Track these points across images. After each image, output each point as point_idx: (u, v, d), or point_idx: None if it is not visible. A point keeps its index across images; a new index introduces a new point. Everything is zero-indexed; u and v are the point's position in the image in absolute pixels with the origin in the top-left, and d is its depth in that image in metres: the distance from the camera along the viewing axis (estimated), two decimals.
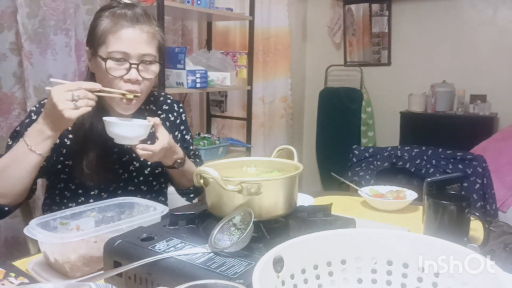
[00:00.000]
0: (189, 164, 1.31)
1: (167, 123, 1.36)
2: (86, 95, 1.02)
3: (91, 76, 1.21)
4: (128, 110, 1.17)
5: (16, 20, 1.83)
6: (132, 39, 1.12)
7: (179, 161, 1.23)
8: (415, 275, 0.62)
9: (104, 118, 1.08)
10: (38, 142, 1.05)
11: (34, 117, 1.19)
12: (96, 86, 1.06)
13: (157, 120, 1.14)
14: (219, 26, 3.02)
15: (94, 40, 1.15)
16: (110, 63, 1.12)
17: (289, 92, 3.62)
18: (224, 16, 2.61)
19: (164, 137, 1.14)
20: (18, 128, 1.20)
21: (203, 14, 2.50)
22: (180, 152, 1.24)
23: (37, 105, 1.22)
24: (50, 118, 1.03)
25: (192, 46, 2.83)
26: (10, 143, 1.19)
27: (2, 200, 1.09)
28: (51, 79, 1.07)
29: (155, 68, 1.18)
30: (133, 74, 1.13)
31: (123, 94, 1.13)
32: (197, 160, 1.44)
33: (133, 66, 1.12)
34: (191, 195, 1.41)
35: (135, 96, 1.14)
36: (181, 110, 1.41)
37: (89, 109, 1.03)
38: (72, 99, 1.00)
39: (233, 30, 3.09)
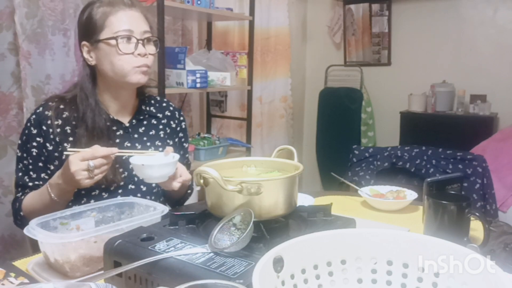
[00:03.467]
0: None
1: (168, 129, 1.39)
2: (101, 163, 1.05)
3: (90, 70, 1.24)
4: (142, 79, 1.25)
5: (14, 20, 1.83)
6: (133, 18, 1.22)
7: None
8: (415, 275, 0.62)
9: (134, 162, 1.09)
10: (59, 195, 1.12)
11: (34, 131, 1.22)
12: (112, 150, 1.07)
13: (177, 156, 1.16)
14: (219, 26, 3.01)
15: (92, 29, 1.20)
16: (120, 41, 1.19)
17: (289, 92, 3.61)
18: (224, 16, 2.61)
19: (182, 166, 1.21)
20: (27, 146, 1.22)
21: (203, 14, 2.50)
22: None
23: (34, 116, 1.23)
24: (68, 182, 1.07)
25: (192, 46, 2.83)
26: (19, 154, 1.24)
27: None
28: (67, 150, 1.11)
29: (155, 43, 1.27)
30: (142, 48, 1.21)
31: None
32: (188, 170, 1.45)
33: (140, 42, 1.21)
34: (179, 202, 1.42)
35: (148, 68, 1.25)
36: (181, 118, 1.45)
37: (104, 174, 1.08)
38: (87, 169, 1.04)
39: (233, 30, 3.09)
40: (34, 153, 1.21)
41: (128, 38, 1.19)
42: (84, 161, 1.03)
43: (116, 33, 1.18)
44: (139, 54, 1.20)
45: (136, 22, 1.21)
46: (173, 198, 1.36)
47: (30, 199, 1.18)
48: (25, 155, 1.23)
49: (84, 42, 1.23)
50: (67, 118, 1.23)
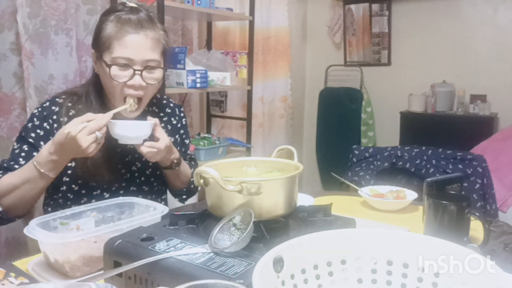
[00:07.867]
0: (184, 165, 1.33)
1: (169, 126, 1.38)
2: (105, 130, 1.05)
3: (96, 77, 1.23)
4: (132, 114, 1.19)
5: (16, 20, 1.83)
6: (136, 45, 1.13)
7: (175, 161, 1.25)
8: (415, 275, 0.62)
9: (109, 121, 1.09)
10: (50, 168, 1.08)
11: (37, 122, 1.20)
12: (110, 114, 1.08)
13: (156, 120, 1.16)
14: (219, 26, 3.02)
15: (99, 45, 1.16)
16: (114, 70, 1.13)
17: (289, 92, 3.62)
18: (224, 16, 2.61)
19: (164, 136, 1.17)
20: (23, 134, 1.20)
21: (203, 14, 2.50)
22: (176, 153, 1.26)
23: (40, 109, 1.22)
24: (71, 155, 1.06)
25: (192, 46, 2.83)
26: (15, 146, 1.21)
27: (11, 213, 1.14)
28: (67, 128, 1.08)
29: (159, 73, 1.19)
30: (137, 80, 1.14)
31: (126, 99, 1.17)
32: (193, 163, 1.46)
33: (137, 72, 1.14)
34: (184, 196, 1.43)
35: (139, 100, 1.18)
36: (182, 114, 1.44)
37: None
38: (95, 140, 1.03)
39: (233, 30, 3.09)
40: (30, 142, 1.18)
41: (122, 66, 1.13)
42: (91, 134, 1.02)
43: (114, 59, 1.12)
44: (132, 85, 1.14)
45: (141, 50, 1.13)
46: (174, 186, 1.36)
47: (10, 176, 1.12)
48: (20, 144, 1.20)
49: (93, 50, 1.21)
50: (73, 116, 1.21)
